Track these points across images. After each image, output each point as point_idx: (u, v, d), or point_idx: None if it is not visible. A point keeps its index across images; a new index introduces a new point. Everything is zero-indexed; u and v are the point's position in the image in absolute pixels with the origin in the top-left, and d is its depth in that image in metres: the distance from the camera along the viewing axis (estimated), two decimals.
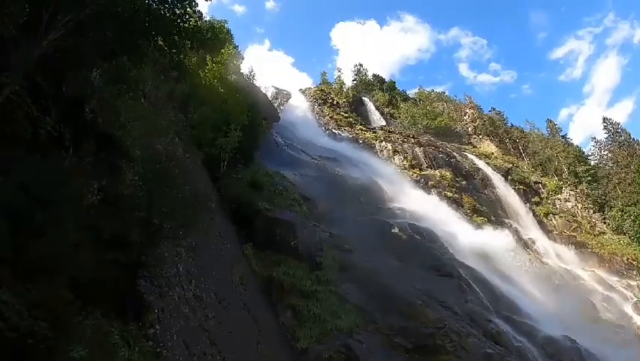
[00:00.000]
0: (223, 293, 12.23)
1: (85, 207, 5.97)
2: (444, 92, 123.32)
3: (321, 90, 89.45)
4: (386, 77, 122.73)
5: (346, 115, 79.86)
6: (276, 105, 65.70)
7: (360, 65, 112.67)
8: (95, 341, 5.50)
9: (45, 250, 5.26)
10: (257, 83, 40.37)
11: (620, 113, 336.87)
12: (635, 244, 67.00)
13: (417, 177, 59.23)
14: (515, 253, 47.00)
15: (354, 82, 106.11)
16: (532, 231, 62.76)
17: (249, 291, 16.28)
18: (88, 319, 5.55)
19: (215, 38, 29.88)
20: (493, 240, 43.20)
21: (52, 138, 6.23)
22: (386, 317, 20.67)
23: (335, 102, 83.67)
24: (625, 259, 60.45)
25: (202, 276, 10.91)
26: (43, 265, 5.23)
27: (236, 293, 14.37)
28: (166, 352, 6.87)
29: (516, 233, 57.71)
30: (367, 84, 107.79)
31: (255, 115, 31.15)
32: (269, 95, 67.91)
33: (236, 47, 31.91)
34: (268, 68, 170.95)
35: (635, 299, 49.17)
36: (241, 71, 34.22)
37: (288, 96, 79.14)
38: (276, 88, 78.99)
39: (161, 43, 10.67)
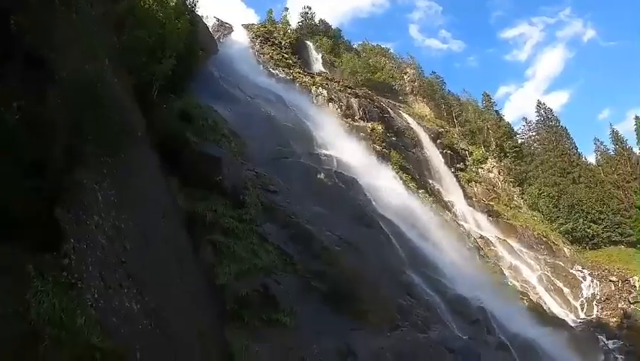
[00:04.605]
0: (144, 226, 11.94)
1: (3, 129, 5.55)
2: (389, 49, 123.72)
3: (265, 28, 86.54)
4: (335, 25, 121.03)
5: (287, 56, 78.19)
6: (216, 38, 63.17)
7: (309, 7, 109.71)
8: (6, 271, 5.28)
9: None
10: (198, 11, 38.32)
11: (555, 102, 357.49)
12: (547, 221, 73.21)
13: (349, 127, 59.98)
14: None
15: (300, 24, 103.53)
16: (453, 194, 66.08)
17: (172, 225, 16.04)
18: None
19: None
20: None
21: None
22: (305, 260, 21.26)
23: (277, 42, 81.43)
24: (536, 234, 66.16)
25: (123, 206, 10.52)
26: None
27: (158, 227, 14.11)
28: (81, 283, 6.67)
29: (438, 194, 60.57)
30: (312, 28, 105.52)
31: (192, 44, 29.78)
32: (209, 25, 65.01)
33: None
34: None
35: (540, 272, 54.26)
36: None
37: (230, 30, 76.41)
38: (218, 20, 75.76)
39: None
